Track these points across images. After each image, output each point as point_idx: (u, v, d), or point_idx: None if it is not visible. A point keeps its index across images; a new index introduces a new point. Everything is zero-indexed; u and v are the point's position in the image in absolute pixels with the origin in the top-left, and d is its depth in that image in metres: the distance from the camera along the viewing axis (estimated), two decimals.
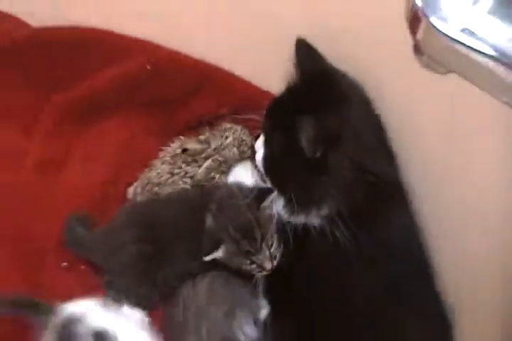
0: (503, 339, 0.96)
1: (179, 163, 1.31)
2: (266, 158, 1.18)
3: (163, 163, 1.32)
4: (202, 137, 1.33)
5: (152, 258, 1.20)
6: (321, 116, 1.09)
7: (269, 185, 1.18)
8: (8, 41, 1.45)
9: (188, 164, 1.30)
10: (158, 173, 1.31)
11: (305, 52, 1.19)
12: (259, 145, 1.19)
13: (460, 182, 1.06)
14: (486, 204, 0.99)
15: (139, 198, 1.32)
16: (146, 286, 1.22)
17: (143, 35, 1.43)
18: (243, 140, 1.33)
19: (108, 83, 1.41)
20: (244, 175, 1.27)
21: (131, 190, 1.34)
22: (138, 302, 1.21)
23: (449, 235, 1.12)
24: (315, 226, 1.12)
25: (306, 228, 1.13)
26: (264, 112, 1.18)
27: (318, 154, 1.08)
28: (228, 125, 1.35)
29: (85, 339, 1.09)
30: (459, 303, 1.11)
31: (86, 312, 1.12)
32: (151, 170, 1.33)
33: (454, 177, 1.07)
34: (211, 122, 1.38)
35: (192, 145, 1.31)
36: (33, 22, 1.50)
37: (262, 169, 1.19)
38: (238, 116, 1.33)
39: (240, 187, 1.20)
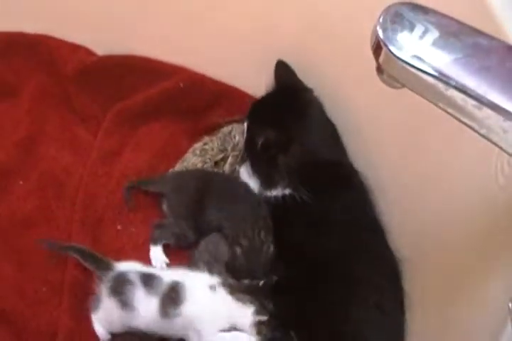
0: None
1: (208, 156, 1.31)
2: (246, 142, 1.22)
3: (194, 156, 1.32)
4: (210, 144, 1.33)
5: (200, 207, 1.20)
6: (279, 124, 1.14)
7: None
8: (81, 66, 1.44)
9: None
10: (193, 163, 1.30)
11: (282, 70, 1.22)
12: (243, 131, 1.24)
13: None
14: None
15: None
16: (191, 230, 1.20)
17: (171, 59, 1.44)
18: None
19: (153, 96, 1.41)
20: None
21: None
22: (176, 242, 1.20)
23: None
24: (283, 195, 1.14)
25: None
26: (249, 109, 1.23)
27: (270, 155, 1.13)
28: (226, 128, 1.34)
29: (135, 285, 1.06)
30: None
31: (131, 266, 1.09)
32: (184, 161, 1.32)
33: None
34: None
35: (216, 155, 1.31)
36: (98, 51, 1.49)
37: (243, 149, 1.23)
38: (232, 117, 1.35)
39: None
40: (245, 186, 1.21)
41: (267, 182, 1.16)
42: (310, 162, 1.14)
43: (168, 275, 1.08)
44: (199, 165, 1.31)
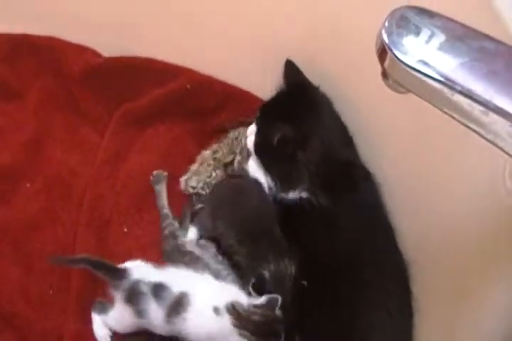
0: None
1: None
2: (257, 144, 1.19)
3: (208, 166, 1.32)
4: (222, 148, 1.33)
5: None
6: (294, 121, 1.12)
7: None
8: (87, 67, 1.44)
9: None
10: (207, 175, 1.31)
11: (291, 70, 1.22)
12: (250, 131, 1.21)
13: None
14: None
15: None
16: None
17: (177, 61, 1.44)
18: None
19: (159, 97, 1.40)
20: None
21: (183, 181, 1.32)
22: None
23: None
24: (300, 198, 1.12)
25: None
26: (258, 110, 1.21)
27: (288, 152, 1.11)
28: (233, 133, 1.34)
29: (147, 296, 1.05)
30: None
31: (146, 273, 1.09)
32: (200, 174, 1.31)
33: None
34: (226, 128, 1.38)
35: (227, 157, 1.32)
36: (104, 53, 1.49)
37: (252, 151, 1.20)
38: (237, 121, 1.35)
39: None
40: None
41: (286, 183, 1.14)
42: (328, 160, 1.12)
43: (178, 284, 1.07)
44: (212, 174, 1.30)
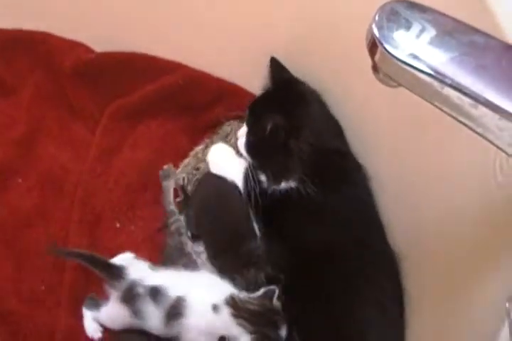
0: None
1: None
2: (248, 144, 1.20)
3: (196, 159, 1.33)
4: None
5: None
6: (284, 113, 1.13)
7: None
8: (79, 63, 1.44)
9: None
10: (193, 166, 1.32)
11: (276, 67, 1.23)
12: (241, 133, 1.22)
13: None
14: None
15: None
16: None
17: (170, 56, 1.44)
18: None
19: (151, 93, 1.40)
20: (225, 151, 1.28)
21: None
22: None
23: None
24: (291, 188, 1.13)
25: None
26: (247, 109, 1.22)
27: (280, 141, 1.12)
28: (223, 130, 1.35)
29: (144, 298, 1.06)
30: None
31: (144, 274, 1.09)
32: (188, 165, 1.33)
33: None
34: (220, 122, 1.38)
35: None
36: (97, 48, 1.49)
37: (244, 152, 1.21)
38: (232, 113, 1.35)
39: None
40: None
41: (279, 174, 1.14)
42: (320, 150, 1.13)
43: (174, 288, 1.07)
44: (201, 166, 1.31)
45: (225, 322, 1.02)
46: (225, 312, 1.02)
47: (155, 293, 1.05)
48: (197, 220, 1.22)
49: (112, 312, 1.10)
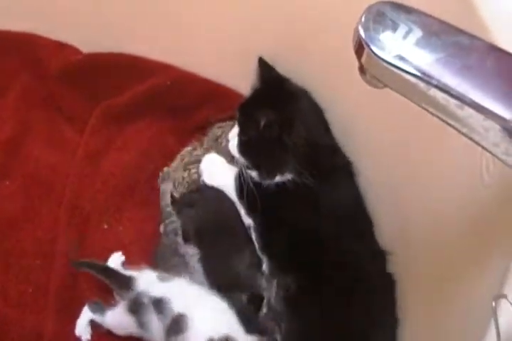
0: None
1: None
2: (241, 144, 1.20)
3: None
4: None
5: None
6: (276, 109, 1.14)
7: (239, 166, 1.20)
8: (67, 64, 1.44)
9: None
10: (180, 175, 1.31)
11: (264, 67, 1.23)
12: (233, 135, 1.22)
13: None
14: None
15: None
16: None
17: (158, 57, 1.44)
18: None
19: (139, 94, 1.40)
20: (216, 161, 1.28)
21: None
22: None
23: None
24: (287, 181, 1.14)
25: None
26: (237, 110, 1.22)
27: (274, 136, 1.12)
28: (213, 132, 1.34)
29: (148, 308, 1.06)
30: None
31: (151, 285, 1.09)
32: (176, 171, 1.32)
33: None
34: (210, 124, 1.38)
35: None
36: (84, 49, 1.48)
37: (236, 153, 1.21)
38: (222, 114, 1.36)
39: None
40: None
41: (273, 170, 1.14)
42: (312, 144, 1.14)
43: (178, 303, 1.07)
44: (190, 168, 1.31)
45: None
46: None
47: (158, 304, 1.06)
48: (196, 233, 1.22)
49: (118, 319, 1.10)
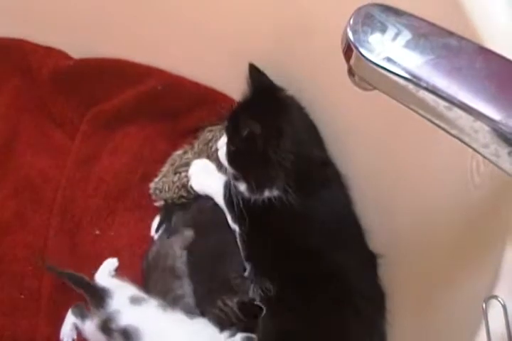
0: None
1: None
2: (229, 154, 1.17)
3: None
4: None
5: None
6: (263, 121, 1.10)
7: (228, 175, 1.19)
8: (57, 69, 1.43)
9: None
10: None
11: (254, 73, 1.21)
12: (221, 144, 1.19)
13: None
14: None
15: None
16: None
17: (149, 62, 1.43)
18: None
19: (130, 99, 1.39)
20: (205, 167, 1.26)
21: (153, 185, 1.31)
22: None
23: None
24: (273, 197, 1.11)
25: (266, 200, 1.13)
26: (226, 118, 1.20)
27: (259, 149, 1.09)
28: (204, 136, 1.33)
29: (117, 335, 1.05)
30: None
31: (122, 309, 1.07)
32: (165, 176, 1.31)
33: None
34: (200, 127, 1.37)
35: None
36: (74, 54, 1.48)
37: (225, 163, 1.18)
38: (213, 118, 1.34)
39: None
40: None
41: (261, 183, 1.12)
42: (301, 158, 1.11)
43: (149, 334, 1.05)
44: (180, 170, 1.30)
45: None
46: None
47: (126, 333, 1.04)
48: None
49: (92, 331, 1.09)
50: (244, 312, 1.05)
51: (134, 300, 1.09)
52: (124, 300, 1.08)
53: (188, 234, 1.21)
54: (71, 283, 1.12)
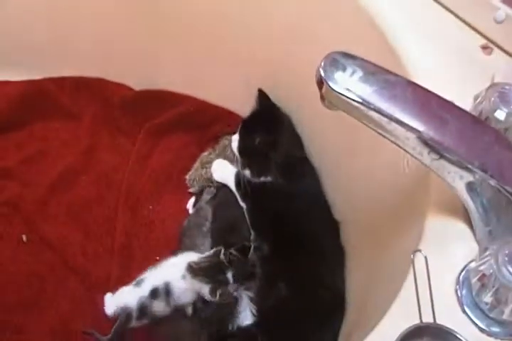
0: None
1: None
2: (239, 147, 1.16)
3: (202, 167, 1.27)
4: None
5: None
6: (267, 131, 1.11)
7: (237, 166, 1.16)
8: (124, 98, 1.42)
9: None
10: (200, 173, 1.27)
11: (262, 96, 1.19)
12: (234, 138, 1.18)
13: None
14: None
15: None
16: None
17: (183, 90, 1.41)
18: None
19: (171, 117, 1.38)
20: (223, 164, 1.23)
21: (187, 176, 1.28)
22: None
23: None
24: (267, 181, 1.11)
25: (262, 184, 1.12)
26: (241, 124, 1.19)
27: (264, 151, 1.10)
28: (225, 141, 1.30)
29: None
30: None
31: None
32: (197, 169, 1.27)
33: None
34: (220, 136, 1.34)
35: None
36: (135, 87, 1.47)
37: (236, 152, 1.17)
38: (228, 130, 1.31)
39: None
40: None
41: (259, 172, 1.12)
42: (289, 157, 1.11)
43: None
44: (206, 166, 1.27)
45: (191, 283, 0.99)
46: (188, 277, 0.99)
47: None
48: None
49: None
50: (239, 251, 1.01)
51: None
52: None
53: (209, 210, 1.19)
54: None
